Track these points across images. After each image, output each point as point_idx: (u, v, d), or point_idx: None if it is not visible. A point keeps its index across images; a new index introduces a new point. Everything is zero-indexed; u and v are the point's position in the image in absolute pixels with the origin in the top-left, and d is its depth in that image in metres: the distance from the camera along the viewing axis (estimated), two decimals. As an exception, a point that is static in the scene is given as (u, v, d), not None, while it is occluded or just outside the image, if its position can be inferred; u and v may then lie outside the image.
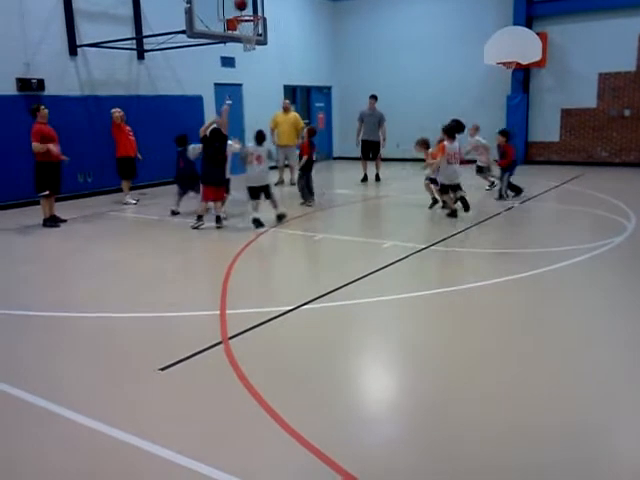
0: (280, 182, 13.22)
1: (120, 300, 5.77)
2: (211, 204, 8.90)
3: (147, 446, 3.08)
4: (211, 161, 8.64)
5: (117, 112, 10.80)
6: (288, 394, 3.65)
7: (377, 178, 13.36)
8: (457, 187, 9.13)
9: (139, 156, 11.25)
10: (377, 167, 13.50)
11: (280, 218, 8.89)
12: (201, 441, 3.16)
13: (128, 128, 11.01)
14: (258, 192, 8.70)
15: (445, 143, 9.08)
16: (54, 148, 8.74)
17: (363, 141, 13.38)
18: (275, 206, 8.87)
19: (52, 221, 9.13)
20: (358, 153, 13.79)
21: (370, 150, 13.38)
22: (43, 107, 8.92)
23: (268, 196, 8.79)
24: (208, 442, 3.15)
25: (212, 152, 8.62)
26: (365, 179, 13.29)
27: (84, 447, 3.16)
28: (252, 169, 8.60)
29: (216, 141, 8.62)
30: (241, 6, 10.40)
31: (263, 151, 8.65)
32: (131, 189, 11.47)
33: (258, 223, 8.60)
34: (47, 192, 8.92)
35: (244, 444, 3.14)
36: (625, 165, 15.07)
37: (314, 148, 10.44)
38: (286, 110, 13.29)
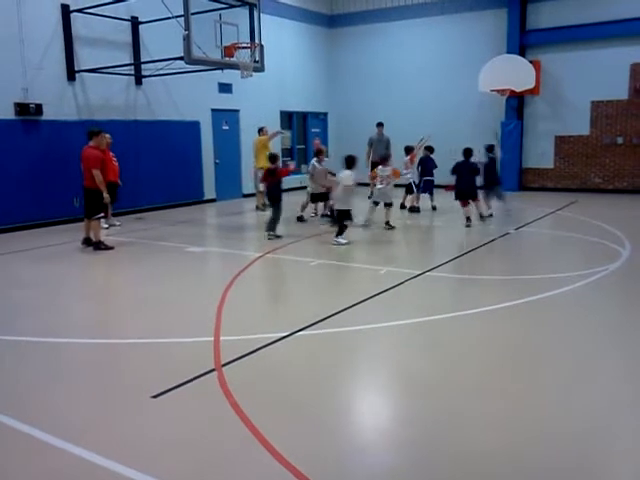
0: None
1: (113, 326, 5.73)
2: None
3: (139, 476, 3.03)
4: None
5: (106, 138, 10.71)
6: (281, 423, 3.60)
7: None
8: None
9: (119, 182, 11.10)
10: None
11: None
12: (193, 469, 3.11)
13: (112, 154, 10.87)
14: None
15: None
16: (107, 197, 9.20)
17: (374, 162, 13.56)
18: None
19: (98, 245, 9.10)
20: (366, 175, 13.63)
21: None
22: (104, 134, 9.41)
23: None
24: (200, 470, 3.10)
25: None
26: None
27: (75, 477, 3.11)
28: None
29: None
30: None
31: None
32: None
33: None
34: (102, 214, 9.34)
35: (235, 472, 3.09)
36: (618, 192, 15.18)
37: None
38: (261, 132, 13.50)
